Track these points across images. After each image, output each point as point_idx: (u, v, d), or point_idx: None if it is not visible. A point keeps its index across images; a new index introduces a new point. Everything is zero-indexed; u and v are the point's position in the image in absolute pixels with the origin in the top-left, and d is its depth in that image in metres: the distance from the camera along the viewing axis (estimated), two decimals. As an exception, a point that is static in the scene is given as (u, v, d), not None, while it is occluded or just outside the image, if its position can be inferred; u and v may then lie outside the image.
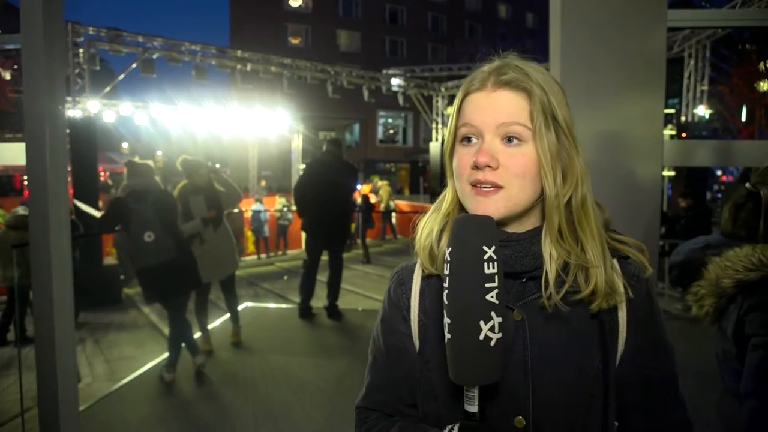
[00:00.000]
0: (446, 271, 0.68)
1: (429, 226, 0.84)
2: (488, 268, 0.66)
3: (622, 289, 0.75)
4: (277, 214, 10.81)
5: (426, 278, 0.84)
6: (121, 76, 10.04)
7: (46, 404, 2.46)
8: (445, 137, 0.83)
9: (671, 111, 12.05)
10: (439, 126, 14.47)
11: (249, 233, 10.58)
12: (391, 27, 36.42)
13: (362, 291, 7.72)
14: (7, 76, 12.97)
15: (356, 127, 35.47)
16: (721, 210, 1.59)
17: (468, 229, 0.68)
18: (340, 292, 5.42)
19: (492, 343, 0.64)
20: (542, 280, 0.75)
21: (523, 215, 0.78)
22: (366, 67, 14.81)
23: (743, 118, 21.67)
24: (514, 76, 0.75)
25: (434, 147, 14.54)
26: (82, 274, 6.94)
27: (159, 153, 27.32)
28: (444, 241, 0.79)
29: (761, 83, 19.45)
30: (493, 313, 0.65)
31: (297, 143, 12.66)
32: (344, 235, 5.34)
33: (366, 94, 12.53)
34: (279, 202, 11.28)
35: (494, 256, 0.66)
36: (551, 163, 0.73)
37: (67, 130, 8.73)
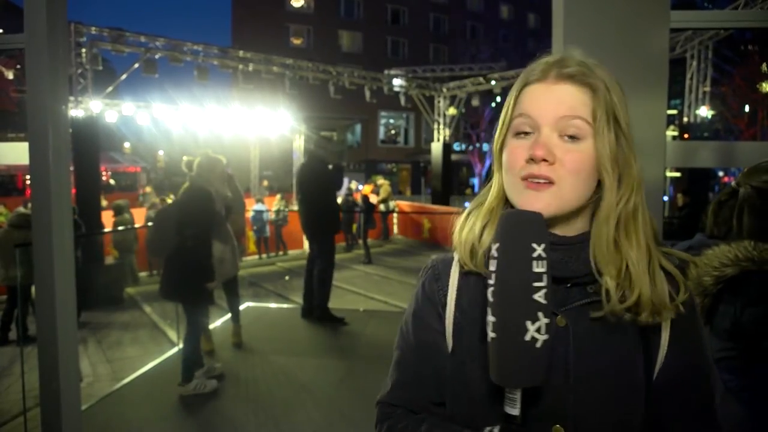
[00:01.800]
0: (492, 268, 0.65)
1: (471, 221, 0.80)
2: (537, 267, 0.63)
3: (669, 305, 0.72)
4: (274, 216, 10.83)
5: (464, 275, 0.81)
6: (124, 76, 10.06)
7: (48, 403, 2.47)
8: (497, 129, 0.79)
9: (673, 112, 12.05)
10: (441, 126, 14.46)
11: (250, 233, 10.59)
12: (392, 27, 36.44)
13: (363, 291, 7.72)
14: (10, 75, 13.00)
15: (358, 128, 35.48)
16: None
17: (518, 225, 0.66)
18: (327, 294, 5.31)
19: (538, 345, 0.63)
20: (601, 288, 0.72)
21: (570, 217, 0.74)
22: (368, 67, 14.84)
23: (745, 119, 21.64)
24: (578, 69, 0.73)
25: (436, 147, 14.53)
26: (84, 274, 6.96)
27: (161, 153, 27.39)
28: (486, 237, 0.77)
29: (763, 84, 19.41)
30: (540, 314, 0.63)
31: (299, 143, 12.67)
32: (325, 234, 5.30)
33: (368, 94, 12.53)
34: (277, 202, 11.30)
35: (543, 255, 0.64)
36: (611, 164, 0.71)
37: (70, 130, 8.76)
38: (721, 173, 26.36)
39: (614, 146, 0.71)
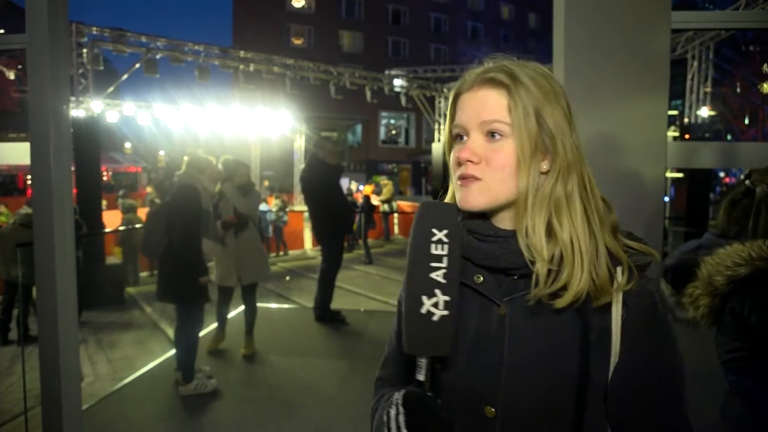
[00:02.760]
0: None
1: None
2: (436, 249, 0.71)
3: (609, 290, 0.73)
4: (274, 216, 10.84)
5: None
6: (125, 76, 10.07)
7: (49, 403, 2.47)
8: (443, 138, 0.87)
9: (674, 112, 12.04)
10: (442, 126, 14.47)
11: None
12: (393, 27, 36.44)
13: (364, 291, 7.73)
14: (12, 75, 13.01)
15: (358, 128, 35.50)
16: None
17: (425, 213, 0.75)
18: (330, 295, 5.29)
19: (434, 318, 0.69)
20: (532, 277, 0.75)
21: (509, 210, 0.79)
22: (368, 67, 14.84)
23: (746, 120, 21.61)
24: (495, 74, 0.77)
25: (436, 148, 14.53)
26: (85, 274, 6.97)
27: (162, 153, 27.40)
28: None
29: (765, 85, 19.40)
30: (438, 291, 0.70)
31: (299, 143, 12.68)
32: (332, 235, 5.28)
33: (368, 94, 12.54)
34: (274, 203, 11.30)
35: (444, 239, 0.71)
36: (528, 159, 0.74)
37: (71, 130, 8.76)
38: (722, 174, 26.34)
39: (533, 139, 0.74)
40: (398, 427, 0.73)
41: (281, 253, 11.02)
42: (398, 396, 0.75)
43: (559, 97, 0.77)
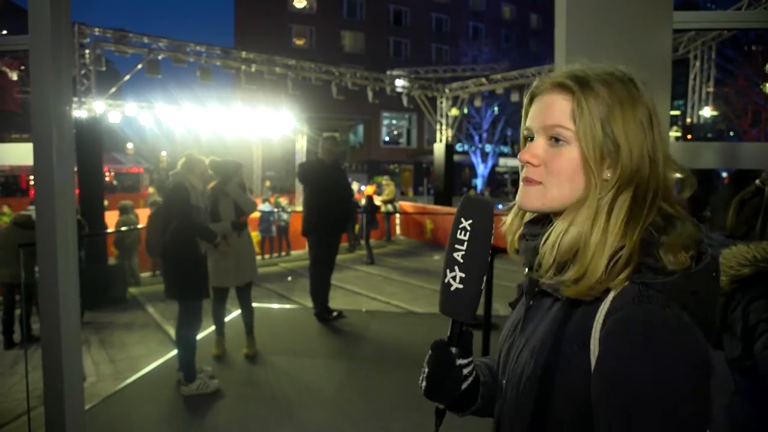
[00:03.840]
0: None
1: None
2: (460, 234, 0.82)
3: (593, 285, 0.70)
4: (275, 216, 10.84)
5: None
6: (127, 77, 10.09)
7: (52, 403, 2.48)
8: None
9: (677, 113, 12.04)
10: (443, 127, 14.46)
11: (254, 233, 10.62)
12: (395, 28, 36.46)
13: (366, 292, 7.73)
14: (14, 76, 13.04)
15: (360, 128, 35.52)
16: (711, 211, 1.58)
17: (460, 205, 0.85)
18: (323, 295, 5.28)
19: (452, 289, 0.82)
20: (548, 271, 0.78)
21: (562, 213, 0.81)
22: (370, 68, 14.84)
23: (749, 120, 21.57)
24: (564, 79, 0.76)
25: (438, 148, 14.53)
26: (88, 274, 6.98)
27: (164, 153, 27.45)
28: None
29: (767, 84, 19.35)
30: (456, 268, 0.82)
31: (301, 144, 12.69)
32: (329, 234, 5.26)
33: (370, 95, 12.54)
34: (276, 204, 11.32)
35: (468, 228, 0.82)
36: (590, 167, 0.73)
37: (73, 131, 8.79)
38: (724, 174, 26.28)
39: (597, 147, 0.73)
40: (425, 365, 0.89)
41: (283, 253, 11.03)
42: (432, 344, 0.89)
43: (637, 103, 0.74)
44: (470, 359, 0.88)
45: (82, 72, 8.88)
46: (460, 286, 0.82)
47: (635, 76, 0.77)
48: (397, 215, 13.47)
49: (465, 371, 0.87)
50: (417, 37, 36.52)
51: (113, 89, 9.69)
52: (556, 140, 0.76)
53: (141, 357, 5.06)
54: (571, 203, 0.77)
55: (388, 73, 13.97)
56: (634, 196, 0.72)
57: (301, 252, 11.15)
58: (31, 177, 23.36)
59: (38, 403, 3.18)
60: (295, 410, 3.49)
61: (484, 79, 12.72)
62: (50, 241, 2.29)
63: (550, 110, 0.77)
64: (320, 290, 5.26)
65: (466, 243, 0.81)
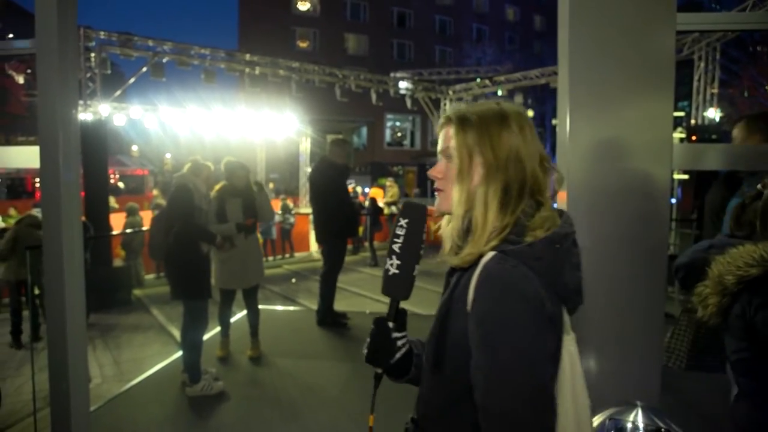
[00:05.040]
0: None
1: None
2: (398, 231, 1.04)
3: (462, 255, 0.95)
4: (280, 218, 10.85)
5: None
6: (132, 80, 10.15)
7: (58, 404, 2.49)
8: None
9: (681, 114, 11.97)
10: (447, 129, 14.46)
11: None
12: (398, 30, 36.47)
13: (369, 294, 7.73)
14: (21, 80, 13.11)
15: (364, 130, 35.53)
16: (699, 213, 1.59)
17: (401, 208, 1.08)
18: (331, 297, 5.26)
19: (390, 273, 1.04)
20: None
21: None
22: (373, 70, 14.85)
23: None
24: (450, 115, 1.03)
25: (442, 150, 14.52)
26: (93, 276, 7.01)
27: (168, 156, 27.52)
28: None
29: (772, 85, 19.25)
30: (394, 257, 1.03)
31: (305, 146, 12.71)
32: (335, 237, 5.21)
33: (374, 97, 12.56)
34: (279, 205, 11.32)
35: (404, 225, 1.04)
36: (464, 171, 0.98)
37: (79, 134, 8.83)
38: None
39: (466, 157, 0.98)
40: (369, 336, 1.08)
41: (287, 255, 11.05)
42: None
43: (503, 125, 0.98)
44: (404, 333, 1.08)
45: (88, 75, 8.94)
46: (397, 272, 1.03)
47: (508, 109, 1.01)
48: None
49: (399, 343, 1.07)
50: (420, 39, 36.52)
51: (118, 92, 9.74)
52: (447, 157, 1.02)
53: (145, 359, 5.08)
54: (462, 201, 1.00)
55: (392, 75, 13.96)
56: (504, 189, 0.95)
57: (304, 254, 11.17)
58: (37, 179, 23.46)
59: (44, 405, 3.20)
60: (299, 412, 3.50)
61: (487, 81, 12.72)
62: (56, 243, 2.30)
63: (444, 138, 1.03)
64: (326, 293, 5.26)
65: (402, 237, 1.03)
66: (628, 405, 1.28)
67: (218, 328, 4.47)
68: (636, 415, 1.25)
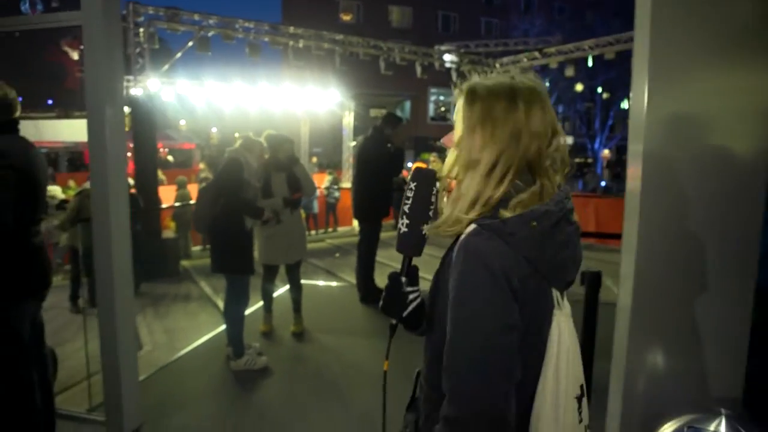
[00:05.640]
0: None
1: None
2: (408, 193, 1.10)
3: (441, 219, 1.04)
4: (325, 192, 10.86)
5: None
6: (179, 54, 10.26)
7: (109, 372, 2.55)
8: None
9: None
10: (493, 103, 13.99)
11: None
12: (443, 2, 35.42)
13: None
14: (75, 56, 13.51)
15: (407, 105, 35.05)
16: None
17: (411, 173, 1.13)
18: (369, 274, 5.19)
19: (401, 232, 1.10)
20: None
21: None
22: (418, 43, 14.44)
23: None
24: (461, 87, 1.10)
25: (487, 125, 14.08)
26: (144, 247, 7.23)
27: (214, 130, 28.06)
28: None
29: None
30: (404, 216, 1.10)
31: (348, 120, 12.61)
32: (369, 217, 5.11)
33: (419, 70, 12.25)
34: (326, 179, 11.30)
35: (413, 188, 1.10)
36: (456, 146, 1.07)
37: (128, 109, 9.03)
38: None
39: (459, 135, 1.05)
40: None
41: (330, 229, 11.10)
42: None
43: (512, 98, 1.00)
44: (416, 288, 1.14)
45: (137, 50, 9.07)
46: (406, 230, 1.09)
47: (519, 85, 1.02)
48: (445, 192, 13.23)
49: (411, 296, 1.12)
50: (466, 10, 35.35)
51: (166, 66, 9.87)
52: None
53: (194, 328, 5.20)
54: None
55: (437, 48, 13.56)
56: (493, 162, 0.99)
57: (347, 228, 11.19)
58: (93, 153, 24.38)
59: (98, 369, 3.31)
60: (341, 389, 3.49)
61: (537, 53, 12.16)
62: (105, 215, 2.32)
63: (456, 108, 1.08)
64: (365, 271, 5.20)
65: (410, 199, 1.09)
66: (710, 411, 1.14)
67: (261, 303, 4.51)
68: (719, 424, 1.11)
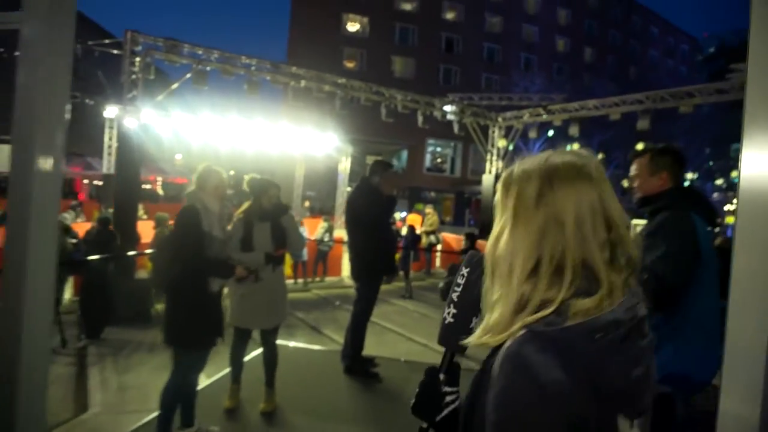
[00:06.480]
0: None
1: None
2: (458, 279, 1.02)
3: (482, 327, 0.90)
4: (318, 240, 10.32)
5: None
6: (175, 86, 9.98)
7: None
8: None
9: None
10: (494, 157, 13.78)
11: (287, 256, 10.15)
12: (446, 55, 36.28)
13: (401, 330, 7.08)
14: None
15: (404, 154, 35.20)
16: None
17: (466, 257, 1.07)
18: (360, 343, 4.58)
19: (446, 322, 1.01)
20: None
21: None
22: (419, 93, 14.39)
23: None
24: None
25: (487, 179, 13.80)
26: (113, 287, 6.64)
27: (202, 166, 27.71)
28: None
29: None
30: (451, 306, 1.01)
31: (345, 165, 12.27)
32: (369, 274, 4.54)
33: (420, 119, 12.04)
34: (321, 226, 10.77)
35: (465, 274, 1.02)
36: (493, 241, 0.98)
37: (112, 140, 8.62)
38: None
39: (494, 229, 0.94)
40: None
41: (318, 278, 10.50)
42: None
43: (550, 177, 0.88)
44: (456, 389, 1.00)
45: (132, 77, 8.75)
46: (452, 320, 1.00)
47: (556, 161, 0.89)
48: (439, 246, 12.74)
49: (448, 398, 0.99)
50: (468, 65, 36.20)
51: (160, 97, 9.55)
52: None
53: (154, 388, 4.51)
54: None
55: (440, 99, 13.42)
56: (537, 258, 0.85)
57: (335, 279, 10.61)
58: (85, 180, 23.98)
59: None
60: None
61: (541, 110, 12.01)
62: (20, 267, 1.78)
63: None
64: (356, 337, 4.59)
65: (461, 286, 1.00)
66: None
67: (228, 370, 3.86)
68: None
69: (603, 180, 0.88)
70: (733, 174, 38.86)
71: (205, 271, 3.04)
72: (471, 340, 0.91)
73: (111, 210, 7.73)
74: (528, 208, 0.87)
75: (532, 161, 0.91)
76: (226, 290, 3.55)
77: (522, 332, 0.81)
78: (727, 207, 34.77)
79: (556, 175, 0.87)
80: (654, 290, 1.92)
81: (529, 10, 38.98)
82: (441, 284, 6.16)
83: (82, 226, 8.60)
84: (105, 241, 7.16)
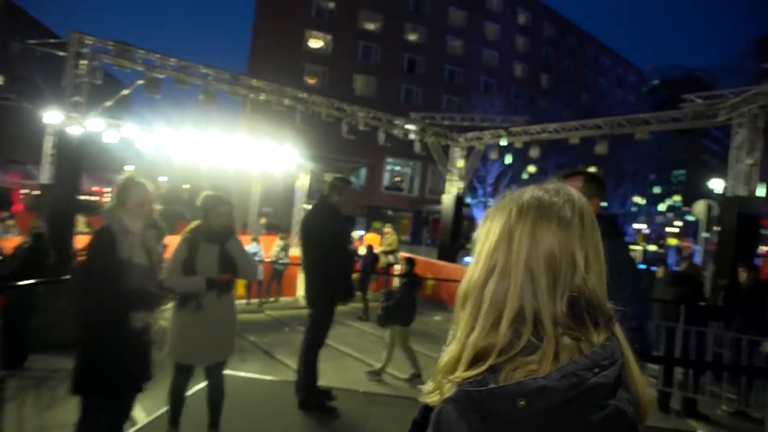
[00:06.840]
0: None
1: None
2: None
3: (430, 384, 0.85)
4: (273, 259, 9.86)
5: None
6: (125, 92, 9.41)
7: None
8: None
9: None
10: (453, 177, 13.74)
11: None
12: (408, 75, 36.62)
13: (359, 355, 6.78)
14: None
15: (363, 172, 35.06)
16: None
17: None
18: (313, 374, 4.24)
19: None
20: None
21: None
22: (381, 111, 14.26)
23: None
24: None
25: (447, 199, 13.71)
26: (40, 311, 6.01)
27: (164, 179, 26.67)
28: None
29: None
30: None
31: (303, 182, 11.89)
32: (325, 300, 4.23)
33: (382, 137, 11.86)
34: (277, 244, 10.31)
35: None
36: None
37: (51, 146, 7.94)
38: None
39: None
40: None
41: (272, 299, 10.01)
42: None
43: (506, 214, 0.83)
44: None
45: (75, 81, 8.15)
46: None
47: (516, 200, 0.83)
48: (396, 267, 12.46)
49: None
50: (429, 85, 36.67)
51: (108, 103, 8.93)
52: None
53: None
54: None
55: (403, 117, 13.30)
56: (488, 301, 0.78)
57: (290, 299, 10.16)
58: (23, 191, 22.42)
59: None
60: None
61: (503, 131, 12.07)
62: None
63: None
64: (309, 368, 4.23)
65: None
66: None
67: (165, 409, 3.41)
68: None
69: (580, 223, 0.79)
70: (675, 198, 40.83)
71: (123, 306, 2.55)
72: (424, 396, 0.84)
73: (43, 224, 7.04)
74: (491, 244, 0.81)
75: (512, 194, 0.86)
76: (164, 319, 3.13)
77: (454, 390, 0.75)
78: (668, 229, 36.33)
79: (521, 213, 0.81)
80: (639, 342, 1.79)
81: (490, 36, 40.04)
82: (378, 310, 5.90)
83: (12, 241, 7.85)
84: (37, 258, 6.50)
